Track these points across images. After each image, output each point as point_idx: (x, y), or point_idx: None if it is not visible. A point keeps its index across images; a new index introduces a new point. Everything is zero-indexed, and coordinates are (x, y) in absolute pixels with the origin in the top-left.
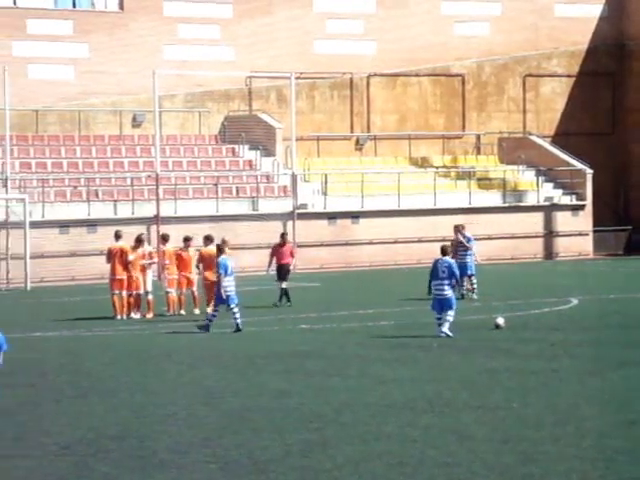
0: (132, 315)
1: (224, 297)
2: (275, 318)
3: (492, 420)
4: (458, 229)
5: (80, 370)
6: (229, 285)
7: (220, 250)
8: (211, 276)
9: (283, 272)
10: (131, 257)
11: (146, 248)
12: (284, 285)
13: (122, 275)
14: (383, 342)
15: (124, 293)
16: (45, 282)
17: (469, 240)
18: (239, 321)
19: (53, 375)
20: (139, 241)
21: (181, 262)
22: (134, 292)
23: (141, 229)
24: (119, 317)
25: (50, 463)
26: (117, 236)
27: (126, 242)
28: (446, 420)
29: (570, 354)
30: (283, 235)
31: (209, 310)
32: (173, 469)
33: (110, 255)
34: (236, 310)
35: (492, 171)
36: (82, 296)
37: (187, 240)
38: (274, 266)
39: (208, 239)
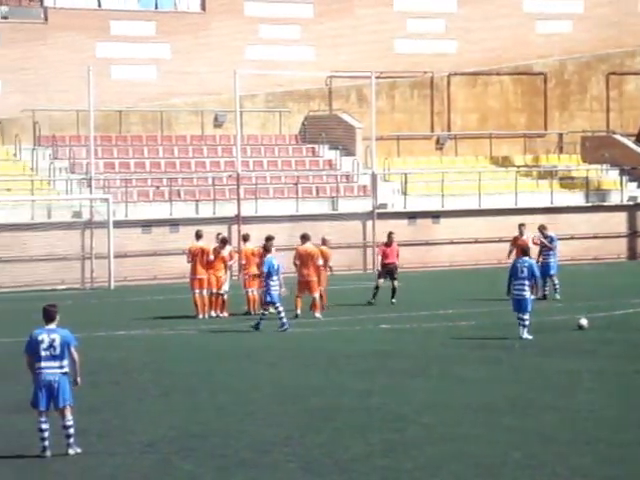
0: (218, 314)
1: (271, 296)
2: (356, 318)
3: (575, 422)
4: (540, 229)
5: (163, 369)
6: (274, 285)
7: (266, 249)
8: (308, 274)
9: (387, 271)
10: (212, 257)
11: (229, 249)
12: (396, 284)
13: (203, 274)
14: (464, 342)
15: (205, 292)
16: (128, 281)
17: (552, 240)
18: (285, 321)
19: (136, 373)
20: (224, 242)
21: (262, 262)
22: (214, 291)
23: (222, 229)
24: (201, 316)
25: (135, 460)
26: (198, 236)
27: (206, 242)
28: (528, 421)
29: None
30: (390, 235)
31: (318, 313)
32: (254, 468)
33: (191, 255)
34: (281, 309)
35: (574, 170)
36: (164, 295)
37: (269, 240)
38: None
39: (304, 238)
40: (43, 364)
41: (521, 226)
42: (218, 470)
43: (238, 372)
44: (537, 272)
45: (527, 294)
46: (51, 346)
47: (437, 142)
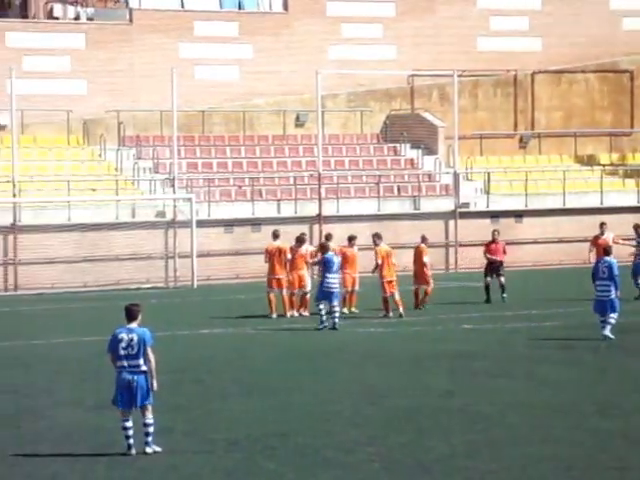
0: (302, 313)
1: (327, 293)
2: (437, 318)
3: None
4: (635, 228)
5: (246, 367)
6: (333, 282)
7: (324, 247)
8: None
9: (492, 268)
10: (289, 256)
11: (307, 247)
12: (502, 280)
13: (280, 274)
14: (548, 343)
15: (284, 292)
16: (210, 280)
17: None
18: (337, 320)
19: (220, 372)
20: (300, 241)
21: (345, 260)
22: (296, 291)
23: (303, 228)
24: (274, 316)
25: (218, 459)
26: (275, 235)
27: (284, 241)
28: (615, 423)
29: None
30: (494, 232)
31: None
32: (337, 468)
33: (268, 255)
34: (337, 309)
35: None
36: (246, 294)
37: (351, 239)
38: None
39: (378, 237)
40: (122, 363)
41: (602, 225)
42: (301, 469)
43: (321, 371)
44: (617, 272)
45: (612, 295)
46: (129, 345)
47: (520, 141)
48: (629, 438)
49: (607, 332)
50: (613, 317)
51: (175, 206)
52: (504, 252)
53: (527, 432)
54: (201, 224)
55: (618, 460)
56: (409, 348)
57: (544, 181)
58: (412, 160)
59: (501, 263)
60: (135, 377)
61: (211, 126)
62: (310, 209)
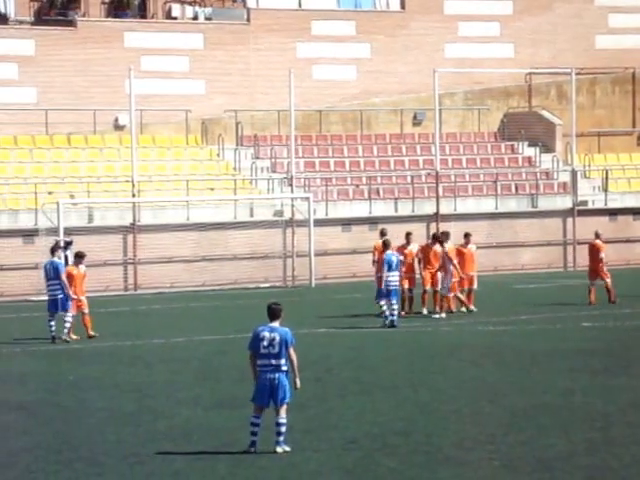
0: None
1: (387, 291)
2: (556, 316)
3: None
4: None
5: (363, 366)
6: (393, 280)
7: (386, 245)
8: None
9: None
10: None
11: (413, 247)
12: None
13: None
14: None
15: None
16: (328, 279)
17: None
18: (395, 317)
19: (338, 370)
20: (435, 238)
21: (462, 260)
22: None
23: (421, 227)
24: (402, 313)
25: (338, 457)
26: (382, 234)
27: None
28: None
29: None
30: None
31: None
32: (458, 465)
33: (377, 253)
34: (396, 307)
35: None
36: (363, 293)
37: (467, 236)
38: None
39: (467, 236)
40: (263, 361)
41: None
42: (421, 467)
43: (439, 369)
44: None
45: None
46: (270, 344)
47: (639, 138)
48: None
49: None
50: None
51: (293, 205)
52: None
53: None
54: (318, 223)
55: None
56: (527, 346)
57: None
58: (530, 158)
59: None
60: (276, 375)
61: (328, 125)
62: (427, 208)
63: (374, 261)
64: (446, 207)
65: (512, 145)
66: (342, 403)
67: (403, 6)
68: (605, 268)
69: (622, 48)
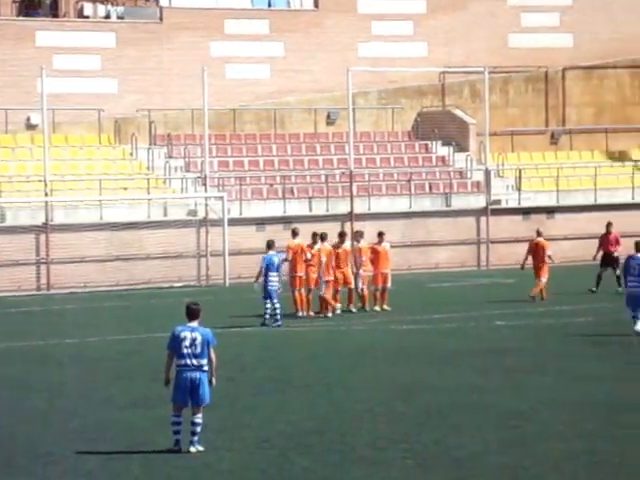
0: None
1: (268, 292)
2: (470, 315)
3: None
4: None
5: (277, 365)
6: (274, 281)
7: (269, 246)
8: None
9: (608, 259)
10: (308, 255)
11: (347, 244)
12: (618, 272)
13: (301, 272)
14: (581, 339)
15: (303, 290)
16: (242, 278)
17: None
18: (268, 317)
19: (251, 369)
20: (342, 235)
21: (376, 257)
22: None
23: (335, 226)
24: (300, 314)
25: (252, 456)
26: (294, 233)
27: (303, 240)
28: None
29: None
30: (608, 225)
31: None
32: (371, 465)
33: (291, 252)
34: (278, 306)
35: None
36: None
37: (380, 235)
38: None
39: (380, 235)
40: (184, 361)
41: (609, 225)
42: (335, 466)
43: (353, 368)
44: None
45: None
46: (193, 344)
47: (552, 137)
48: None
49: (638, 328)
50: None
51: (207, 205)
52: (618, 243)
53: (560, 428)
54: (232, 222)
55: None
56: (442, 345)
57: (575, 177)
58: (443, 157)
59: (613, 256)
60: (198, 375)
61: (242, 124)
62: (342, 207)
63: (286, 259)
64: (360, 206)
65: (426, 144)
66: (256, 402)
67: (317, 5)
68: (547, 267)
69: (535, 47)
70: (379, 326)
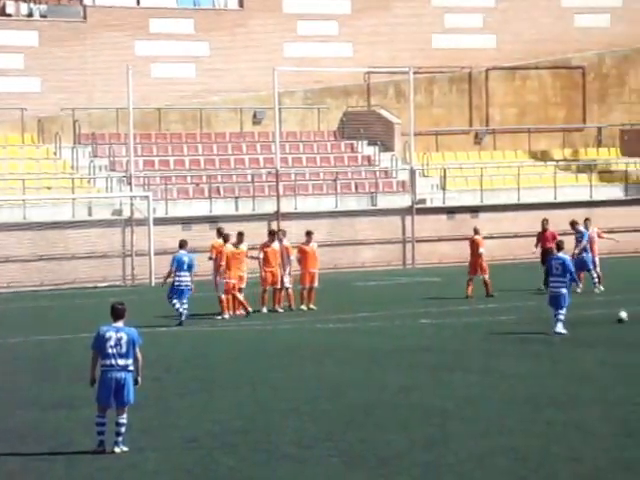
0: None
1: (178, 291)
2: (395, 313)
3: (616, 415)
4: (572, 224)
5: (203, 364)
6: (184, 280)
7: (181, 245)
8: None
9: (548, 256)
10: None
11: (284, 243)
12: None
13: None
14: (505, 337)
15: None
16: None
17: (581, 235)
18: (183, 317)
19: (178, 369)
20: (272, 234)
21: (304, 257)
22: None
23: (262, 225)
24: (227, 315)
25: (177, 456)
26: (219, 233)
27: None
28: (569, 415)
29: None
30: (544, 221)
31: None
32: (297, 463)
33: (216, 252)
34: (185, 306)
35: (614, 164)
36: (202, 292)
37: (309, 234)
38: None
39: (308, 234)
40: (109, 361)
41: (586, 220)
42: (260, 465)
43: (279, 367)
44: (571, 268)
45: (562, 291)
46: (117, 344)
47: (476, 137)
48: (582, 429)
49: (559, 329)
50: (562, 313)
51: (132, 204)
52: (554, 239)
53: (483, 425)
54: (158, 222)
55: (572, 451)
56: (367, 344)
57: (499, 177)
58: (369, 157)
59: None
60: (123, 375)
61: (168, 124)
62: (268, 206)
63: (211, 258)
64: (287, 205)
65: (351, 144)
66: (182, 402)
67: (242, 5)
68: (484, 263)
69: (458, 48)
70: (305, 325)
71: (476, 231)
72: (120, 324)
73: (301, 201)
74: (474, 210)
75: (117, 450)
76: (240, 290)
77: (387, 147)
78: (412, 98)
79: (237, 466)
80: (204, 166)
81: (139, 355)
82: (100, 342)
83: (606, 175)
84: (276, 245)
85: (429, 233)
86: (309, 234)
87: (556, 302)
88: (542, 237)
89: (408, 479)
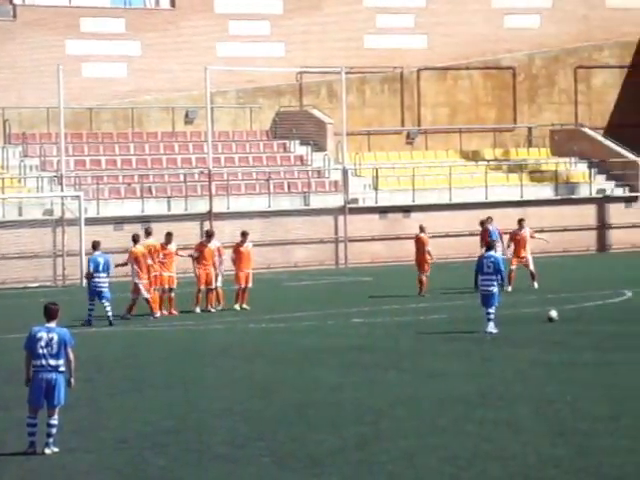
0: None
1: (97, 292)
2: (328, 313)
3: (546, 413)
4: (481, 223)
5: (135, 364)
6: (101, 282)
7: (94, 246)
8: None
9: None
10: (161, 255)
11: (214, 243)
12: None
13: (155, 272)
14: (436, 336)
15: (157, 290)
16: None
17: (491, 235)
18: (111, 316)
19: (109, 370)
20: (209, 235)
21: (239, 258)
22: (166, 287)
23: (194, 225)
24: (158, 314)
25: (108, 457)
26: (147, 233)
27: (156, 239)
28: (500, 413)
29: (624, 347)
30: (520, 221)
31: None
32: (228, 463)
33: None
34: (109, 307)
35: (544, 164)
36: (127, 293)
37: (244, 235)
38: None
39: (244, 234)
40: (40, 362)
41: (521, 221)
42: (192, 465)
43: (211, 367)
44: (502, 267)
45: (493, 289)
46: (48, 344)
47: (407, 137)
48: (513, 427)
49: (490, 328)
50: (492, 312)
51: (63, 204)
52: (531, 237)
53: (415, 424)
54: (90, 222)
55: (502, 449)
56: (300, 343)
57: (431, 176)
58: (302, 157)
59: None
60: (54, 376)
61: (99, 123)
62: (201, 206)
63: (123, 264)
64: (219, 205)
65: (284, 144)
66: (113, 402)
67: (173, 4)
68: (428, 262)
69: (390, 48)
70: (238, 325)
71: (422, 229)
72: (53, 324)
73: (234, 201)
74: (406, 210)
75: (48, 451)
76: (171, 290)
77: (320, 147)
78: (344, 98)
79: (168, 466)
80: (136, 166)
81: (71, 356)
82: (32, 342)
83: (536, 175)
84: (212, 245)
85: (361, 233)
86: (244, 235)
87: (487, 301)
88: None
89: (340, 478)
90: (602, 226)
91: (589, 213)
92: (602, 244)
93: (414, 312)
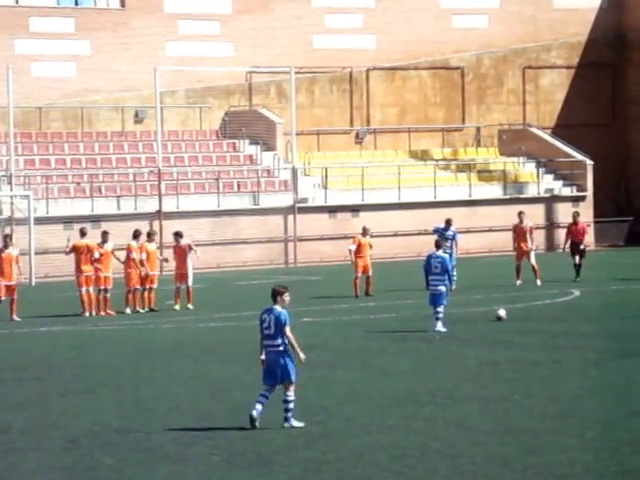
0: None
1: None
2: None
3: (494, 411)
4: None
5: (85, 364)
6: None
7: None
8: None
9: (577, 249)
10: (96, 254)
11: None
12: (582, 261)
13: (89, 272)
14: (385, 335)
15: (91, 290)
16: (49, 277)
17: (435, 231)
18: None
19: (59, 369)
20: (149, 235)
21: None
22: (102, 288)
23: (144, 225)
24: (87, 314)
25: (57, 456)
26: (82, 233)
27: (91, 239)
28: (449, 412)
29: (572, 345)
30: (575, 214)
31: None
32: (178, 462)
33: (75, 251)
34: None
35: (492, 163)
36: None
37: (177, 235)
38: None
39: (178, 235)
40: (264, 342)
41: (521, 214)
42: (141, 464)
43: (160, 367)
44: (449, 267)
45: (441, 289)
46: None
47: (356, 136)
48: (461, 426)
49: (438, 327)
50: (440, 311)
51: (12, 203)
52: (585, 232)
53: (364, 422)
54: (39, 221)
55: (451, 447)
56: (249, 342)
57: (380, 176)
58: (251, 156)
59: (579, 246)
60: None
61: (49, 123)
62: (150, 205)
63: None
64: (169, 205)
65: (234, 143)
66: (63, 402)
67: (123, 4)
68: (370, 262)
69: (339, 48)
70: (188, 324)
71: (365, 231)
72: (277, 307)
73: (183, 200)
74: (355, 209)
75: (286, 425)
76: (106, 290)
77: (269, 146)
78: (294, 98)
79: (117, 465)
80: (85, 165)
81: (289, 334)
82: (259, 324)
83: (485, 174)
84: (153, 246)
85: (311, 232)
86: (178, 234)
87: (435, 300)
88: (573, 230)
89: (289, 477)
90: (550, 225)
91: (537, 212)
92: (550, 243)
93: (363, 311)
